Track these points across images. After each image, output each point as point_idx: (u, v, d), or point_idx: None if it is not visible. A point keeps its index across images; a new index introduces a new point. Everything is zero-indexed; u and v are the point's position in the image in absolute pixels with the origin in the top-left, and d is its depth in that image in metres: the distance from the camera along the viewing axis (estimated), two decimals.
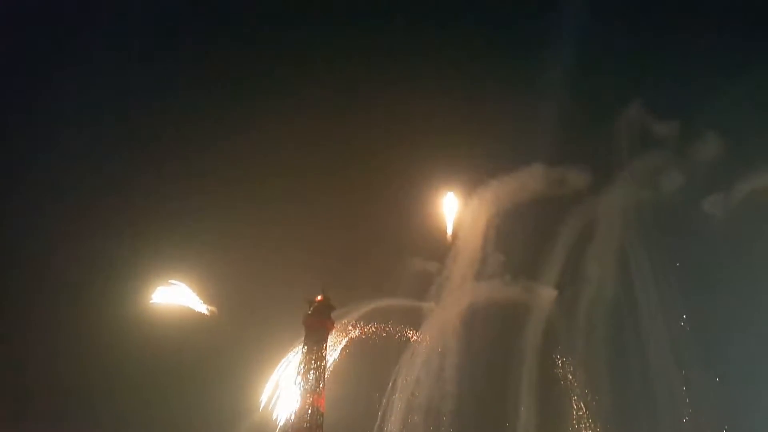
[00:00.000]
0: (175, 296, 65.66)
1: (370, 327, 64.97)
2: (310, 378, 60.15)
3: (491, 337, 62.55)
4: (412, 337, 64.55)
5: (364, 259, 70.96)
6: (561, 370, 61.68)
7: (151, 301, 64.54)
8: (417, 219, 70.07)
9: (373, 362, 65.91)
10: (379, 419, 62.57)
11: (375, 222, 71.10)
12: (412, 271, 67.77)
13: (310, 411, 59.31)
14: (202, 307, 66.67)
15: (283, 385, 61.89)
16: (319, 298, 63.44)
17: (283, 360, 62.96)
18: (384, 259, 70.40)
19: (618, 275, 63.32)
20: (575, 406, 61.06)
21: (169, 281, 65.26)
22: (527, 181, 65.04)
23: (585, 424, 60.79)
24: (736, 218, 62.44)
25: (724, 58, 64.71)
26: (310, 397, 59.66)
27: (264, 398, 61.65)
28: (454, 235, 67.90)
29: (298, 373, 60.57)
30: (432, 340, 64.08)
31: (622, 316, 62.38)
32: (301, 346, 61.88)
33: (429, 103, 71.98)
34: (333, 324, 63.31)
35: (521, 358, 61.64)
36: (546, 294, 63.97)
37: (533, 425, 60.70)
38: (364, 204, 71.56)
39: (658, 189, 64.78)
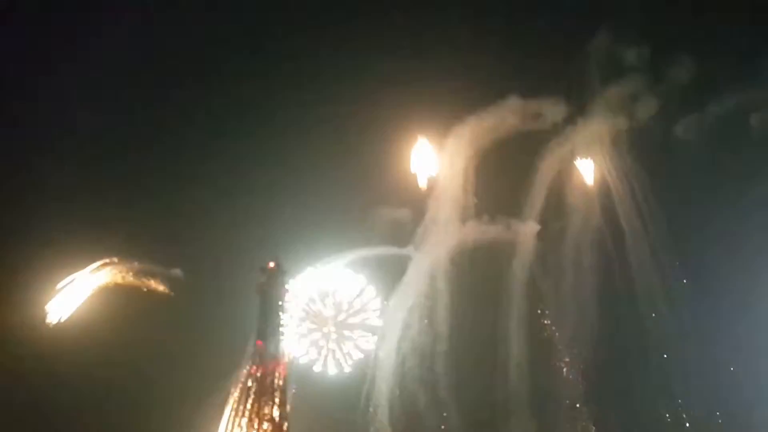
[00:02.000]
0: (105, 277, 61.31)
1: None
2: (269, 347, 59.21)
3: (479, 275, 62.23)
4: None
5: (331, 215, 68.06)
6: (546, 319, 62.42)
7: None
8: (388, 167, 69.12)
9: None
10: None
11: (343, 174, 68.82)
12: (385, 221, 66.93)
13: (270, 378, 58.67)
14: (158, 282, 63.57)
15: None
16: (271, 264, 62.06)
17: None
18: (353, 213, 68.35)
19: (601, 205, 63.64)
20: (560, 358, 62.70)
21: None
22: (505, 116, 64.15)
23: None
24: (709, 140, 62.68)
25: None
26: (268, 364, 58.84)
27: None
28: (431, 179, 67.27)
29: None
30: (418, 284, 63.58)
31: (608, 245, 62.61)
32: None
33: (395, 43, 70.09)
34: (286, 290, 62.24)
35: (509, 294, 61.83)
36: (529, 229, 63.58)
37: (524, 360, 60.86)
38: (328, 159, 69.75)
39: (632, 116, 64.41)
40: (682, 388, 59.38)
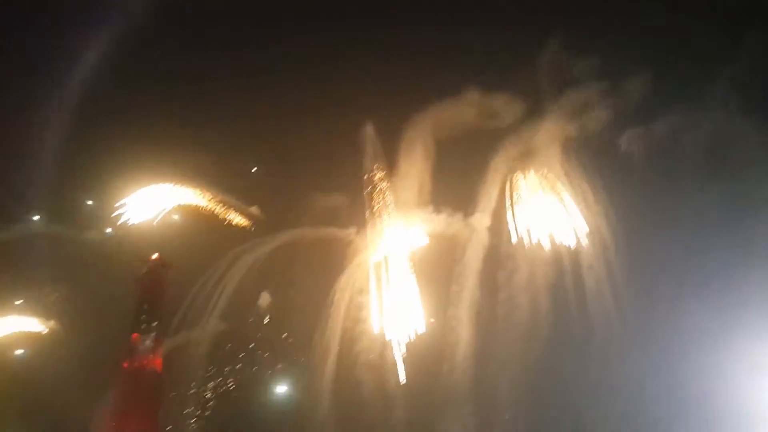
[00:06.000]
0: None
1: None
2: (146, 340, 58.54)
3: (433, 265, 60.96)
4: None
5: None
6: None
7: None
8: (334, 153, 67.40)
9: None
10: None
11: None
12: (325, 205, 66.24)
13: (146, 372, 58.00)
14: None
15: None
16: (154, 256, 61.22)
17: None
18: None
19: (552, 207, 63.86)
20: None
21: None
22: (463, 109, 63.80)
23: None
24: (655, 155, 64.68)
25: None
26: (143, 359, 58.14)
27: None
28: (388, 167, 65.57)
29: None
30: (366, 270, 61.15)
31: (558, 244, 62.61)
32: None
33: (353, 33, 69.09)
34: (168, 284, 61.62)
35: (463, 280, 60.65)
36: (480, 222, 62.84)
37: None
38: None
39: (583, 126, 65.46)
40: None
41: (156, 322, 59.69)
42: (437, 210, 63.24)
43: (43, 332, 62.46)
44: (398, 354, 57.68)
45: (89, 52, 65.41)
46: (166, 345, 59.97)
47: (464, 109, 64.76)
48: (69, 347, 60.68)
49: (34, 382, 58.78)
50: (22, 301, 62.22)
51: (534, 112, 66.00)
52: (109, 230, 61.92)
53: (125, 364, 58.34)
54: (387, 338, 58.25)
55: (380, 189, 65.18)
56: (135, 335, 59.11)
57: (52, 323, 62.62)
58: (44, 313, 62.75)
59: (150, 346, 58.64)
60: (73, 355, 59.63)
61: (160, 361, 58.95)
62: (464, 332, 58.67)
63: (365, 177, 65.59)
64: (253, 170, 68.72)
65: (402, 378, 57.61)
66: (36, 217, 62.61)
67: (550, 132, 65.45)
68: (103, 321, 60.03)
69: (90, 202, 62.52)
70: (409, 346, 58.30)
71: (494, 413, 58.93)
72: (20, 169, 62.46)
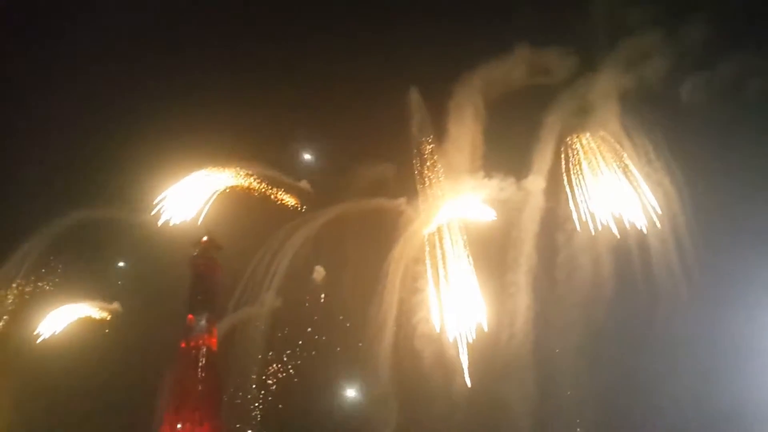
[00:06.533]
0: None
1: None
2: (201, 320, 59.72)
3: (489, 230, 59.27)
4: None
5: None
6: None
7: None
8: (379, 120, 65.61)
9: None
10: None
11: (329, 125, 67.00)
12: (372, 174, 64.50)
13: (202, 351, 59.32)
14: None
15: None
16: (204, 239, 62.00)
17: None
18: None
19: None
20: None
21: None
22: (513, 66, 61.25)
23: None
24: (717, 107, 60.78)
25: None
26: (199, 338, 59.42)
27: None
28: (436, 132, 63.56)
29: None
30: (419, 240, 59.90)
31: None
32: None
33: None
34: (219, 265, 62.34)
35: (520, 245, 59.05)
36: (536, 184, 60.69)
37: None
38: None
39: (639, 78, 61.88)
40: None
41: (210, 303, 61.04)
42: (489, 175, 60.85)
43: (107, 317, 63.71)
44: (457, 330, 56.66)
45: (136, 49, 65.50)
46: (222, 325, 61.26)
47: (514, 66, 62.30)
48: (130, 329, 61.98)
49: (100, 365, 59.85)
50: (84, 287, 63.25)
51: (588, 66, 62.96)
52: (161, 216, 61.79)
53: (182, 344, 60.04)
54: (444, 312, 57.15)
55: (429, 155, 63.27)
56: (190, 316, 60.65)
57: (114, 306, 63.69)
58: (107, 298, 63.84)
59: (205, 326, 60.22)
60: (134, 336, 61.17)
61: (215, 340, 60.57)
62: (523, 298, 56.95)
63: (413, 144, 63.76)
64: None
65: (463, 352, 56.57)
66: (92, 206, 62.72)
67: (605, 86, 62.21)
68: (160, 303, 61.47)
69: (142, 189, 62.38)
70: (468, 321, 56.98)
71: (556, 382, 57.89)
72: (75, 160, 63.08)
